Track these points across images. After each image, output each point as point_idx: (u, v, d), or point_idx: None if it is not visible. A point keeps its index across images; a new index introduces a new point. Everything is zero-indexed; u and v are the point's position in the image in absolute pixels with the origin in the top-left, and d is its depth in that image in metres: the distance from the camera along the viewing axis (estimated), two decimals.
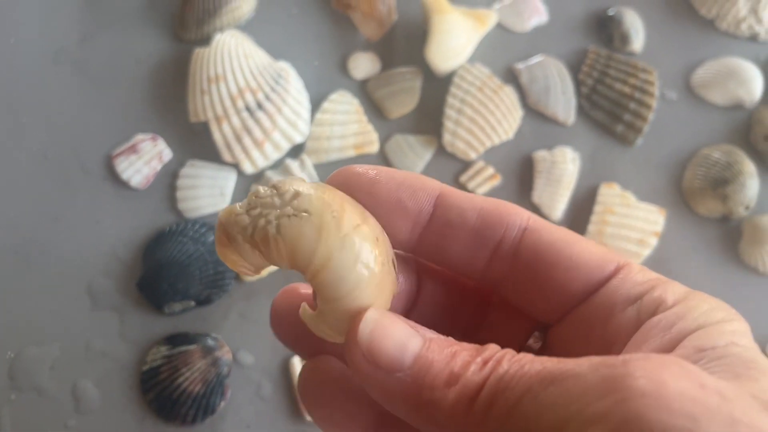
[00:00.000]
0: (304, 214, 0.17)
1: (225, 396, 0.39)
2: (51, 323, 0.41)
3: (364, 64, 0.48)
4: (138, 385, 0.40)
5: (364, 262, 0.18)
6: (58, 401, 0.39)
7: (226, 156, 0.44)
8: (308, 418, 0.39)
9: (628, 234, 0.43)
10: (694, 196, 0.45)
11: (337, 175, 0.20)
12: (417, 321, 0.18)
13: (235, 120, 0.44)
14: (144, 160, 0.44)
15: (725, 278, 0.43)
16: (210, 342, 0.40)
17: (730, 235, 0.44)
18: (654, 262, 0.44)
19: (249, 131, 0.44)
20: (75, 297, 0.41)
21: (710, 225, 0.45)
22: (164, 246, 0.42)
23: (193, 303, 0.41)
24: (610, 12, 0.49)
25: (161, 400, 0.39)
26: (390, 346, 0.17)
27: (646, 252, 0.43)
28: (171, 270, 0.41)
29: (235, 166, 0.45)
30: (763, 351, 0.41)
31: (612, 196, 0.44)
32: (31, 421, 0.39)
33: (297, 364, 0.40)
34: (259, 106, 0.44)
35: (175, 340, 0.40)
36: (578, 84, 0.48)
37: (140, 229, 0.43)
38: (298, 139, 0.45)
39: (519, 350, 0.16)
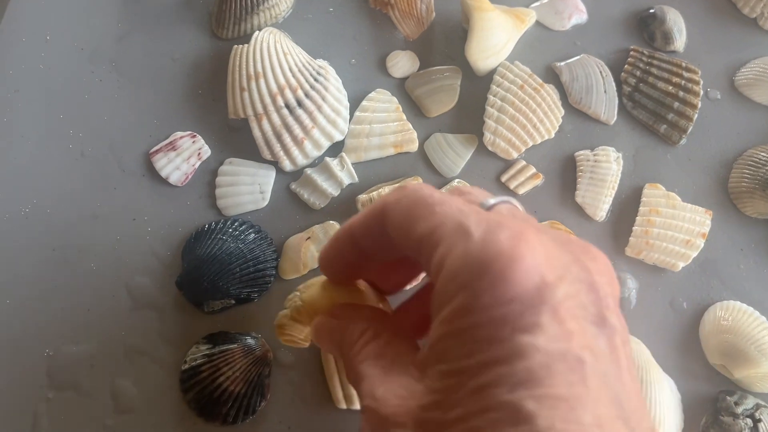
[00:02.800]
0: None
1: (266, 396, 0.39)
2: (89, 321, 0.41)
3: (402, 63, 0.48)
4: (177, 384, 0.40)
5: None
6: (96, 400, 0.39)
7: (266, 154, 0.45)
8: (342, 405, 0.39)
9: (675, 235, 0.43)
10: (742, 197, 0.45)
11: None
12: None
13: (275, 117, 0.44)
14: (183, 157, 0.45)
15: None
16: (251, 341, 0.40)
17: None
18: (701, 264, 0.44)
19: (289, 129, 0.44)
20: (113, 295, 0.42)
21: (758, 226, 0.45)
22: (204, 243, 0.42)
23: (233, 301, 0.41)
24: (653, 10, 0.49)
25: (202, 399, 0.39)
26: None
27: (694, 253, 0.43)
28: (211, 267, 0.41)
29: (275, 164, 0.45)
30: None
31: (657, 196, 0.45)
32: (68, 420, 0.39)
33: (331, 357, 0.40)
34: (299, 103, 0.44)
35: (216, 339, 0.40)
36: (620, 83, 0.48)
37: (179, 227, 0.44)
38: (338, 137, 0.45)
39: None
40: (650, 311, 0.43)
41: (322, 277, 0.35)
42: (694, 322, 0.42)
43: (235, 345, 0.40)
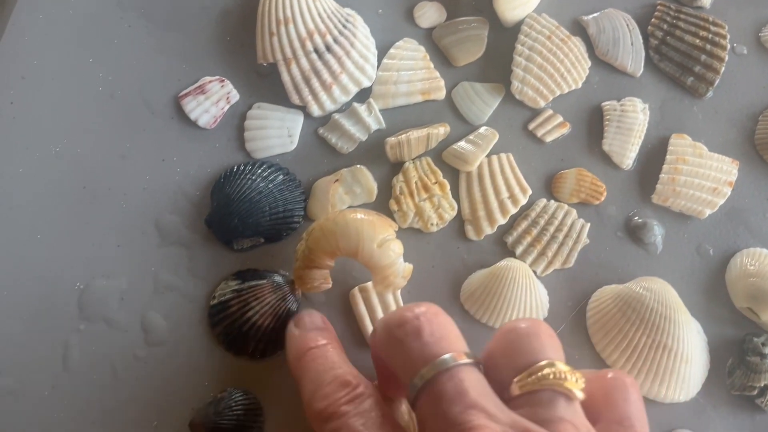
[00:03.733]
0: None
1: None
2: (119, 257, 0.42)
3: (429, 13, 0.49)
4: (207, 319, 0.40)
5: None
6: (127, 332, 0.40)
7: (294, 98, 0.45)
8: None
9: (701, 183, 0.44)
10: (767, 147, 0.45)
11: None
12: None
13: (304, 62, 0.45)
14: (212, 100, 0.45)
15: None
16: (279, 278, 0.41)
17: None
18: (727, 212, 0.44)
19: (317, 73, 0.45)
20: (143, 232, 0.42)
21: None
22: (233, 183, 0.43)
23: (262, 240, 0.42)
24: None
25: (230, 333, 0.39)
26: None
27: (720, 201, 0.44)
28: (241, 206, 0.42)
29: (303, 108, 0.46)
30: None
31: (684, 146, 0.45)
32: (99, 351, 0.40)
33: (358, 296, 0.41)
34: (328, 48, 0.45)
35: (245, 275, 0.41)
36: (647, 36, 0.48)
37: (208, 168, 0.44)
38: (366, 83, 0.46)
39: None
40: (676, 257, 0.43)
41: (322, 220, 0.38)
42: (720, 268, 0.43)
43: (264, 281, 0.40)
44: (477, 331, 0.41)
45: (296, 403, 0.38)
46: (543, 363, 0.27)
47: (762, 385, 0.38)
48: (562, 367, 0.27)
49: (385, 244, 0.38)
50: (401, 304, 0.41)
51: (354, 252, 0.38)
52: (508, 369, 0.28)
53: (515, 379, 0.27)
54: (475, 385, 0.26)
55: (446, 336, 0.28)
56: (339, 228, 0.37)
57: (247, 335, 0.39)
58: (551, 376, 0.26)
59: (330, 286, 0.40)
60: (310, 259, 0.39)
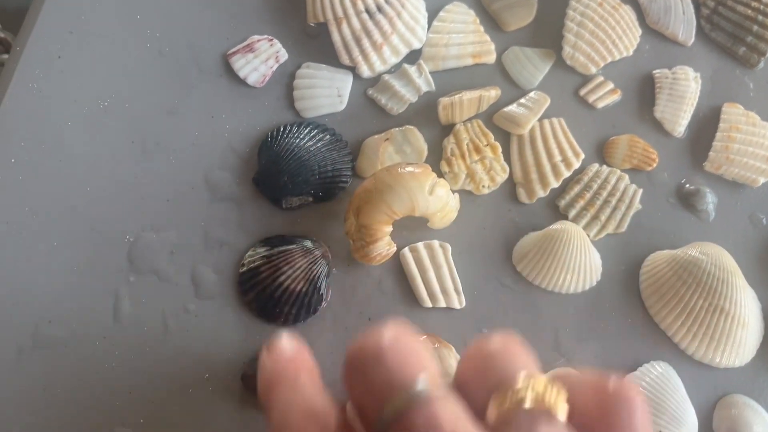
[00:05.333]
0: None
1: (327, 297, 0.40)
2: (169, 211, 0.42)
3: None
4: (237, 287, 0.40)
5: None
6: (177, 285, 0.40)
7: (344, 58, 0.45)
8: (427, 304, 0.40)
9: (755, 151, 0.44)
10: None
11: None
12: None
13: (355, 21, 0.45)
14: (261, 59, 0.45)
15: None
16: (309, 243, 0.40)
17: None
18: None
19: (368, 34, 0.45)
20: (192, 187, 0.42)
21: None
22: (281, 141, 0.43)
23: (311, 198, 0.42)
24: None
25: (262, 299, 0.39)
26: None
27: None
28: (290, 164, 0.41)
29: (352, 69, 0.45)
30: None
31: (737, 114, 0.45)
32: (150, 303, 0.39)
33: (409, 256, 0.41)
34: (379, 8, 0.45)
35: (273, 241, 0.41)
36: (698, 5, 0.48)
37: (257, 126, 0.44)
38: (416, 44, 0.46)
39: None
40: (729, 225, 0.43)
41: (362, 193, 0.38)
42: None
43: (294, 246, 0.40)
44: (531, 294, 0.41)
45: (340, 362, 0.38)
46: (518, 378, 0.24)
47: None
48: (539, 380, 0.24)
49: (435, 190, 0.38)
50: (452, 263, 0.41)
51: (411, 210, 0.38)
52: (481, 390, 0.24)
53: (491, 401, 0.23)
54: (450, 418, 0.22)
55: (414, 360, 0.24)
56: (387, 194, 0.37)
57: (279, 300, 0.39)
58: (528, 392, 0.23)
59: (395, 248, 0.40)
60: (369, 235, 0.38)
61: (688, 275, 0.39)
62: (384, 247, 0.39)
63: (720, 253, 0.40)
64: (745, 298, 0.39)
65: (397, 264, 0.41)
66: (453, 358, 0.38)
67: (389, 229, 0.39)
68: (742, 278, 0.39)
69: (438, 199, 0.38)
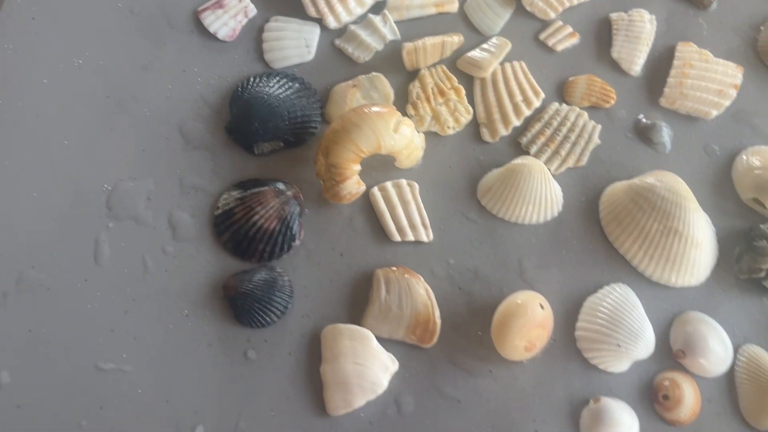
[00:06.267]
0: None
1: (300, 234, 0.41)
2: (145, 160, 0.43)
3: None
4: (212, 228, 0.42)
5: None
6: (155, 229, 0.42)
7: (311, 10, 0.46)
8: (396, 238, 0.41)
9: (708, 85, 0.45)
10: None
11: None
12: None
13: None
14: (230, 14, 0.47)
15: None
16: (281, 185, 0.42)
17: None
18: (734, 114, 0.46)
19: None
20: (167, 137, 0.44)
21: None
22: (253, 90, 0.44)
23: (281, 144, 0.43)
24: None
25: (237, 239, 0.41)
26: None
27: (726, 102, 0.45)
28: (260, 111, 0.43)
29: (319, 20, 0.47)
30: None
31: (690, 52, 0.47)
32: (129, 246, 0.41)
33: (378, 194, 0.42)
34: None
35: (246, 184, 0.42)
36: None
37: (228, 78, 0.46)
38: None
39: None
40: (685, 156, 0.45)
41: (330, 133, 0.40)
42: (726, 165, 0.45)
43: (266, 187, 0.42)
44: (495, 226, 0.43)
45: (324, 292, 0.40)
46: None
47: None
48: None
49: (399, 127, 0.39)
50: (419, 200, 0.43)
51: (377, 147, 0.40)
52: None
53: None
54: None
55: None
56: (354, 132, 0.39)
57: (254, 239, 0.40)
58: None
59: (365, 187, 0.41)
60: (339, 174, 0.40)
61: (643, 201, 0.41)
62: (353, 186, 0.41)
63: (673, 179, 0.41)
64: (697, 221, 0.40)
65: (366, 203, 0.43)
66: (421, 287, 0.40)
67: (357, 167, 0.41)
68: (694, 202, 0.41)
69: (403, 137, 0.40)
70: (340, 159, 0.40)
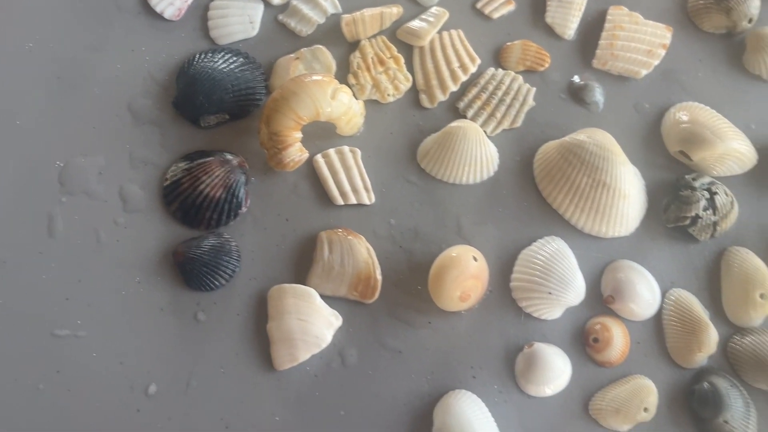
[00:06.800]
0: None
1: (246, 202, 0.43)
2: (96, 137, 0.45)
3: None
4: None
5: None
6: (106, 202, 0.43)
7: None
8: (339, 202, 0.43)
9: (638, 46, 0.47)
10: (699, 14, 0.49)
11: None
12: None
13: None
14: None
15: (732, 86, 0.47)
16: (226, 156, 0.43)
17: (734, 48, 0.48)
18: (663, 73, 0.48)
19: None
20: (117, 114, 0.45)
21: (715, 40, 0.49)
22: (198, 66, 0.46)
23: (227, 116, 0.45)
24: None
25: (185, 208, 0.42)
26: None
27: (655, 62, 0.47)
28: (204, 84, 0.44)
29: None
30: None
31: (621, 15, 0.48)
32: (82, 220, 0.43)
33: (321, 161, 0.44)
34: None
35: (193, 156, 0.44)
36: None
37: (175, 56, 0.47)
38: None
39: None
40: (616, 114, 0.47)
41: (270, 102, 0.41)
42: (656, 122, 0.46)
43: (212, 158, 0.43)
44: (434, 187, 0.44)
45: (270, 256, 0.42)
46: None
47: (693, 214, 0.42)
48: None
49: (337, 94, 0.41)
50: (361, 165, 0.44)
51: (316, 114, 0.41)
52: None
53: None
54: None
55: None
56: (293, 100, 0.41)
57: (200, 207, 0.42)
58: None
59: (308, 154, 0.43)
60: (280, 141, 0.42)
61: (573, 156, 0.43)
62: (296, 153, 0.42)
63: (602, 135, 0.43)
64: (624, 173, 0.42)
65: (311, 170, 0.45)
66: (363, 247, 0.42)
67: (299, 135, 0.42)
68: (622, 156, 0.43)
69: (341, 104, 0.42)
70: (281, 127, 0.41)
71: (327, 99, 0.41)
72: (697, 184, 0.43)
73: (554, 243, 0.43)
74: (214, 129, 0.45)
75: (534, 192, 0.44)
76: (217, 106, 0.45)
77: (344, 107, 0.42)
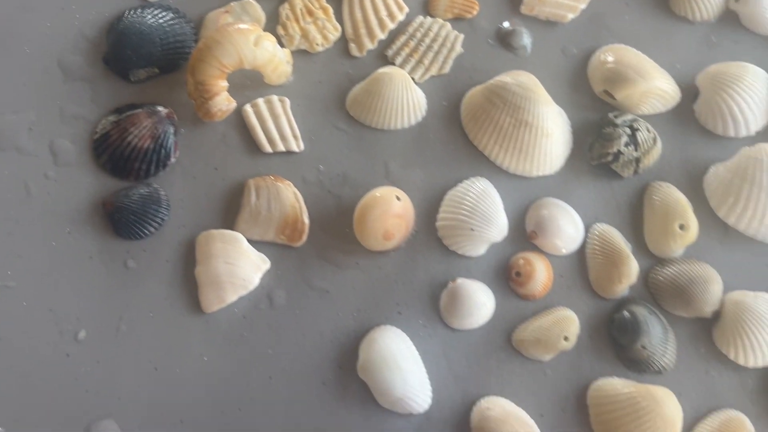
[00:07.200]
0: None
1: (175, 152, 0.43)
2: (26, 94, 0.45)
3: None
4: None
5: None
6: (37, 157, 0.44)
7: None
8: (267, 149, 0.44)
9: None
10: None
11: None
12: None
13: None
14: None
15: (658, 28, 0.48)
16: (156, 108, 0.44)
17: None
18: (590, 17, 0.48)
19: None
20: (47, 71, 0.46)
21: None
22: (127, 21, 0.46)
23: (157, 69, 0.45)
24: None
25: (114, 159, 0.43)
26: None
27: (582, 6, 0.48)
28: (132, 39, 0.45)
29: None
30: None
31: None
32: (12, 174, 0.43)
33: (250, 110, 0.44)
34: None
35: (122, 109, 0.44)
36: None
37: (105, 13, 0.47)
38: None
39: None
40: (544, 58, 0.47)
41: (195, 52, 0.41)
42: (583, 64, 0.47)
43: (140, 110, 0.44)
44: (363, 133, 0.45)
45: (199, 204, 0.42)
46: None
47: (615, 150, 0.43)
48: None
49: (260, 42, 0.42)
50: (290, 113, 0.45)
51: (239, 61, 0.42)
52: None
53: None
54: None
55: None
56: (216, 49, 0.41)
57: (129, 158, 0.43)
58: None
59: (235, 104, 0.44)
60: (206, 90, 0.42)
61: (496, 98, 0.43)
62: (223, 102, 0.43)
63: (525, 76, 0.44)
64: (547, 112, 0.43)
65: (240, 120, 0.45)
66: (290, 192, 0.42)
67: (224, 84, 0.43)
68: (544, 95, 0.43)
69: (264, 51, 0.42)
70: (206, 76, 0.42)
71: (250, 46, 0.42)
72: (619, 121, 0.43)
73: (479, 183, 0.43)
74: (144, 83, 0.46)
75: (461, 135, 0.45)
76: (146, 59, 0.45)
77: (268, 54, 0.43)
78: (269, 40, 0.43)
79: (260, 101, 0.45)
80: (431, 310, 0.41)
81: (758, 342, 0.39)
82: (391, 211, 0.40)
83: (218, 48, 0.41)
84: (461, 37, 0.47)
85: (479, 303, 0.40)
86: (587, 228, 0.43)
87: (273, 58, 0.43)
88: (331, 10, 0.47)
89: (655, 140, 0.44)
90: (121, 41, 0.45)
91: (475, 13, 0.48)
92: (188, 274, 0.41)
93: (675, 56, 0.47)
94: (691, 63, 0.47)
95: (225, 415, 0.39)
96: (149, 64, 0.45)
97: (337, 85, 0.46)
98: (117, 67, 0.45)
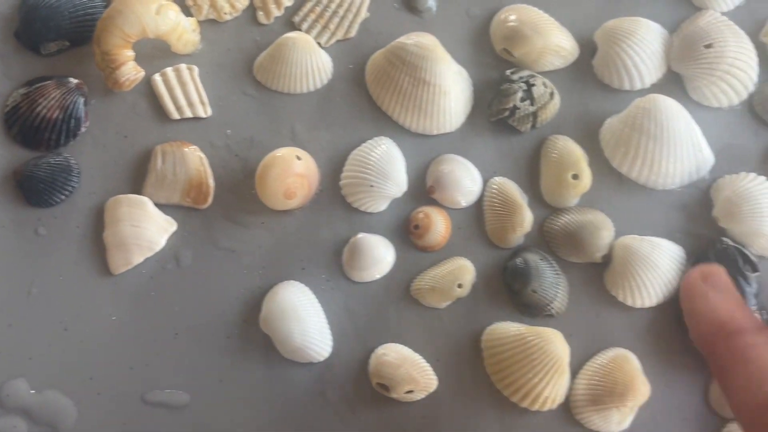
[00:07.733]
0: None
1: (85, 122, 0.44)
2: None
3: None
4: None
5: None
6: None
7: None
8: (175, 116, 0.45)
9: None
10: None
11: None
12: None
13: None
14: None
15: None
16: (66, 79, 0.45)
17: None
18: None
19: None
20: None
21: None
22: None
23: (67, 43, 0.46)
24: None
25: (24, 130, 0.44)
26: None
27: None
28: (41, 12, 0.46)
29: None
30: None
31: None
32: None
33: (158, 79, 0.45)
34: None
35: (33, 82, 0.45)
36: None
37: None
38: None
39: None
40: (449, 21, 0.48)
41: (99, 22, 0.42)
42: (486, 25, 0.48)
43: (50, 81, 0.45)
44: (270, 98, 0.46)
45: (109, 172, 0.43)
46: None
47: (511, 105, 0.44)
48: None
49: (162, 10, 0.42)
50: (198, 80, 0.46)
51: (142, 30, 0.43)
52: None
53: None
54: None
55: None
56: (118, 18, 0.42)
57: (39, 128, 0.44)
58: None
59: (143, 72, 0.45)
60: (112, 60, 0.43)
61: (396, 59, 0.44)
62: (130, 71, 0.44)
63: (425, 36, 0.45)
64: (444, 71, 0.44)
65: (150, 90, 0.46)
66: (195, 156, 0.44)
67: (130, 53, 0.44)
68: (443, 54, 0.44)
69: (167, 20, 0.43)
70: (110, 45, 0.43)
71: (152, 15, 0.42)
72: (515, 77, 0.45)
73: (381, 142, 0.44)
74: (56, 56, 0.47)
75: (366, 98, 0.46)
76: (55, 32, 0.46)
77: (171, 23, 0.43)
78: (172, 9, 0.44)
79: (168, 70, 0.46)
80: (334, 265, 0.42)
81: (644, 284, 0.41)
82: (291, 170, 0.41)
83: (120, 17, 0.42)
84: (367, 1, 0.48)
85: (378, 256, 0.42)
86: (485, 181, 0.44)
87: (177, 26, 0.44)
88: None
89: (552, 95, 0.45)
90: (31, 15, 0.46)
91: None
92: (98, 239, 0.43)
93: (576, 14, 0.48)
94: (593, 19, 0.48)
95: (133, 370, 0.41)
96: (59, 36, 0.46)
97: (246, 53, 0.47)
98: (28, 41, 0.46)
